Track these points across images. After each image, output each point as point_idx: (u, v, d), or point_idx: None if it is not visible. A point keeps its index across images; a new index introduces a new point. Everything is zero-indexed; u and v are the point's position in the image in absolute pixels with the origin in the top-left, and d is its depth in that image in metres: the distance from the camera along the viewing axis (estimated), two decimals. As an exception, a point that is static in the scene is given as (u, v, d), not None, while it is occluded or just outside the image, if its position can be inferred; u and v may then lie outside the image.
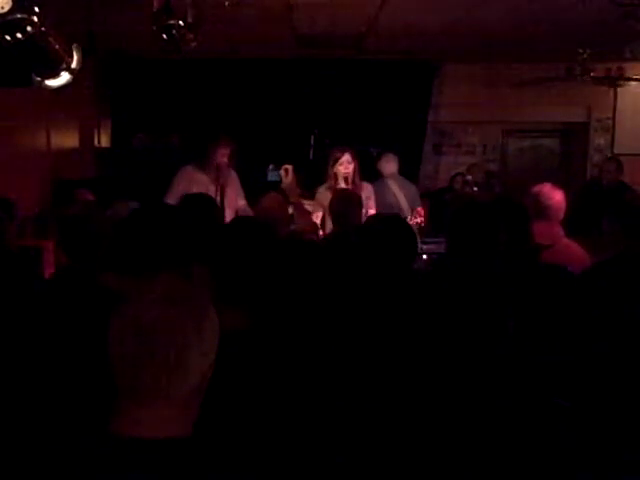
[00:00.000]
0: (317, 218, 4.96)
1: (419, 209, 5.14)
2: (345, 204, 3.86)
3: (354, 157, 4.79)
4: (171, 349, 1.13)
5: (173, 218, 2.21)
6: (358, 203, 3.95)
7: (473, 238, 2.58)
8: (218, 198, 4.66)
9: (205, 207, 3.21)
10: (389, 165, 5.66)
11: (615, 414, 2.06)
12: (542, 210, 3.14)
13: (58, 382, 1.92)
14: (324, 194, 4.88)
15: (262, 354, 1.76)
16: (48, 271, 3.64)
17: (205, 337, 1.17)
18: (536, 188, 3.27)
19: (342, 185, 4.77)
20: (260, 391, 1.68)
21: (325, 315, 2.11)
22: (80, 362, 1.87)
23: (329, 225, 4.86)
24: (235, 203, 4.90)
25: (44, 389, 1.93)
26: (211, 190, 4.61)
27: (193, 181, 4.63)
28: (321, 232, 4.84)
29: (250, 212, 4.76)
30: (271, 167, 5.29)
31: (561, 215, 3.22)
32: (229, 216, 4.76)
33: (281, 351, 1.80)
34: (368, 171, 5.72)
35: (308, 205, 5.41)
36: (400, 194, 5.53)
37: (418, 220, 4.72)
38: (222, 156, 4.74)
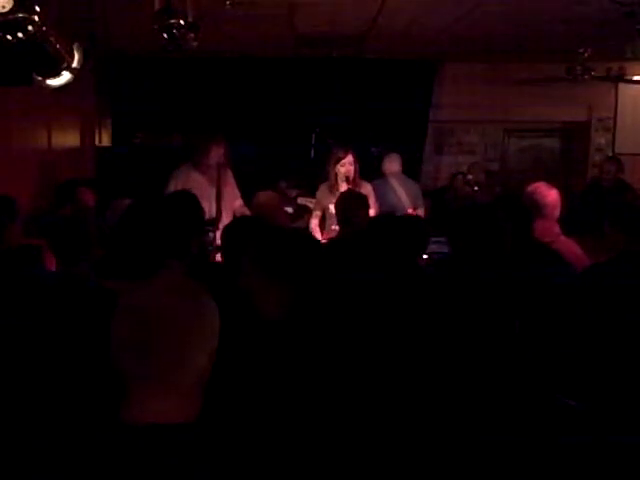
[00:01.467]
0: (316, 217, 4.97)
1: (418, 205, 5.13)
2: (351, 205, 3.82)
3: (356, 158, 4.81)
4: (174, 338, 1.15)
5: (158, 216, 2.21)
6: (365, 204, 3.93)
7: (477, 239, 2.59)
8: (214, 198, 4.65)
9: (188, 204, 3.17)
10: (392, 164, 5.69)
11: (617, 411, 2.07)
12: (538, 209, 3.15)
13: (65, 376, 1.94)
14: (324, 192, 4.90)
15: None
16: (48, 270, 3.65)
17: (206, 327, 1.20)
18: (531, 187, 3.29)
19: (343, 185, 4.78)
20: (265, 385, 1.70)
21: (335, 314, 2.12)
22: (86, 356, 1.89)
23: (328, 224, 4.87)
24: (232, 202, 4.88)
25: (50, 384, 1.95)
26: (208, 190, 4.59)
27: (189, 181, 4.60)
28: (319, 234, 4.86)
29: (247, 212, 4.76)
30: None
31: (557, 213, 3.23)
32: (226, 216, 4.75)
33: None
34: (369, 170, 5.74)
35: (309, 202, 5.43)
36: (402, 193, 5.55)
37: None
38: (216, 156, 4.72)
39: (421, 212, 5.47)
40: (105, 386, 1.38)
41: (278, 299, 1.83)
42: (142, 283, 1.24)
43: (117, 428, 1.15)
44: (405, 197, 5.52)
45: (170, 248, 2.01)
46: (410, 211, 5.15)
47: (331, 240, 4.18)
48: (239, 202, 4.92)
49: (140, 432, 1.13)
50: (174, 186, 4.55)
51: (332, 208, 4.82)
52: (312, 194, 5.55)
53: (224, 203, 4.73)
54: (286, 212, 4.25)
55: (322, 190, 4.94)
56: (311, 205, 5.49)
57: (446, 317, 2.32)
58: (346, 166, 4.77)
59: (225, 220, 4.73)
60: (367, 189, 4.86)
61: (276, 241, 1.95)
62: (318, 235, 4.85)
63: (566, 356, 2.25)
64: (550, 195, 3.21)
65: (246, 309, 1.89)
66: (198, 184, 4.57)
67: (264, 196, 3.87)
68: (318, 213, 4.97)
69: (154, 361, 1.14)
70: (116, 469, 1.10)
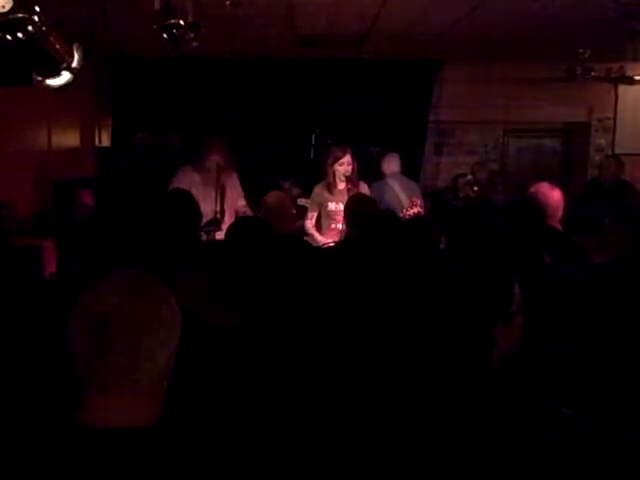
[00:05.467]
0: (312, 218, 4.96)
1: (414, 199, 5.11)
2: (363, 209, 3.78)
3: (354, 157, 4.81)
4: (129, 337, 1.13)
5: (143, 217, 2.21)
6: (375, 208, 3.91)
7: (472, 238, 2.58)
8: (218, 199, 4.70)
9: (186, 204, 3.16)
10: (391, 165, 5.67)
11: (616, 417, 2.06)
12: (541, 209, 3.14)
13: (29, 378, 1.93)
14: (321, 192, 4.89)
15: (246, 351, 1.77)
16: (49, 270, 3.65)
17: (164, 326, 1.18)
18: (534, 188, 3.28)
19: (341, 184, 4.79)
20: (240, 386, 1.68)
21: (323, 314, 2.11)
22: (47, 357, 1.87)
23: (327, 223, 4.87)
24: (235, 203, 4.92)
25: (17, 384, 1.94)
26: (208, 191, 4.63)
27: (192, 182, 4.65)
28: (318, 234, 4.85)
29: (249, 212, 4.78)
30: None
31: (560, 214, 3.21)
32: (229, 216, 4.79)
33: (265, 349, 1.81)
34: (368, 171, 5.72)
35: (306, 202, 5.43)
36: (401, 193, 5.54)
37: (415, 210, 4.71)
38: (216, 158, 4.75)
39: (420, 208, 5.40)
40: (63, 388, 1.36)
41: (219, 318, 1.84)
42: (98, 281, 1.21)
43: (73, 430, 1.13)
44: (405, 198, 5.50)
45: (157, 243, 2.00)
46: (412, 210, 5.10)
47: (341, 242, 4.14)
48: (242, 202, 4.97)
49: (97, 435, 1.11)
50: (176, 187, 4.57)
51: (331, 206, 4.83)
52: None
53: (227, 203, 4.78)
54: (293, 213, 4.27)
55: (319, 190, 4.93)
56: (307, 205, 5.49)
57: (435, 318, 2.31)
58: (344, 165, 4.77)
59: (228, 220, 4.78)
60: (364, 189, 4.87)
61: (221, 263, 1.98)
62: (317, 235, 4.84)
63: (563, 360, 2.24)
64: (553, 196, 3.20)
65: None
66: (200, 185, 4.65)
67: (273, 197, 3.88)
68: (314, 214, 4.95)
69: (110, 361, 1.12)
70: (70, 473, 1.07)
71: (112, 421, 1.12)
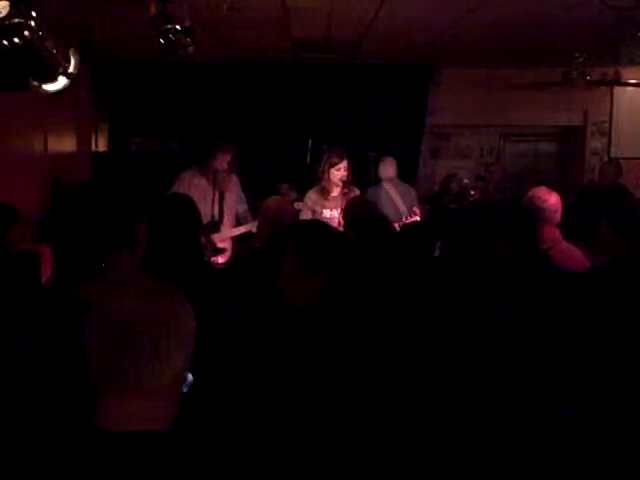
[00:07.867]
0: None
1: (415, 209, 5.12)
2: (364, 211, 3.78)
3: (350, 162, 4.81)
4: (147, 341, 1.14)
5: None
6: (375, 212, 3.93)
7: (467, 242, 2.58)
8: (217, 202, 4.73)
9: (185, 208, 3.17)
10: (388, 169, 5.68)
11: (616, 418, 2.06)
12: (538, 213, 3.13)
13: (42, 384, 1.93)
14: (315, 197, 4.86)
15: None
16: (46, 276, 3.64)
17: (182, 330, 1.19)
18: (531, 192, 3.28)
19: (336, 190, 4.78)
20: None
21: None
22: (64, 362, 1.87)
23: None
24: (235, 208, 4.92)
25: (27, 391, 1.93)
26: (210, 194, 4.67)
27: (192, 185, 4.69)
28: None
29: (250, 217, 4.79)
30: None
31: (558, 218, 3.21)
32: (228, 220, 4.81)
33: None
34: (366, 175, 5.72)
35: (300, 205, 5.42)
36: (398, 198, 5.53)
37: (414, 219, 4.70)
38: (222, 162, 4.79)
39: (418, 215, 5.42)
40: (80, 394, 1.36)
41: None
42: (115, 286, 1.23)
43: (89, 434, 1.13)
44: (402, 203, 5.50)
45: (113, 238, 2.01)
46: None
47: None
48: (243, 207, 4.98)
49: (115, 439, 1.11)
50: (177, 189, 4.62)
51: (325, 213, 4.82)
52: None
53: (226, 207, 4.81)
54: (293, 218, 4.28)
55: (312, 195, 4.89)
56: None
57: (437, 320, 2.32)
58: (341, 171, 4.76)
59: (227, 224, 4.80)
60: (356, 194, 4.87)
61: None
62: None
63: (560, 361, 2.24)
64: (550, 200, 3.19)
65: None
66: (201, 189, 4.70)
67: (273, 201, 3.90)
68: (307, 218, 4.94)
69: (128, 363, 1.13)
70: (86, 479, 1.08)
71: (129, 424, 1.13)
